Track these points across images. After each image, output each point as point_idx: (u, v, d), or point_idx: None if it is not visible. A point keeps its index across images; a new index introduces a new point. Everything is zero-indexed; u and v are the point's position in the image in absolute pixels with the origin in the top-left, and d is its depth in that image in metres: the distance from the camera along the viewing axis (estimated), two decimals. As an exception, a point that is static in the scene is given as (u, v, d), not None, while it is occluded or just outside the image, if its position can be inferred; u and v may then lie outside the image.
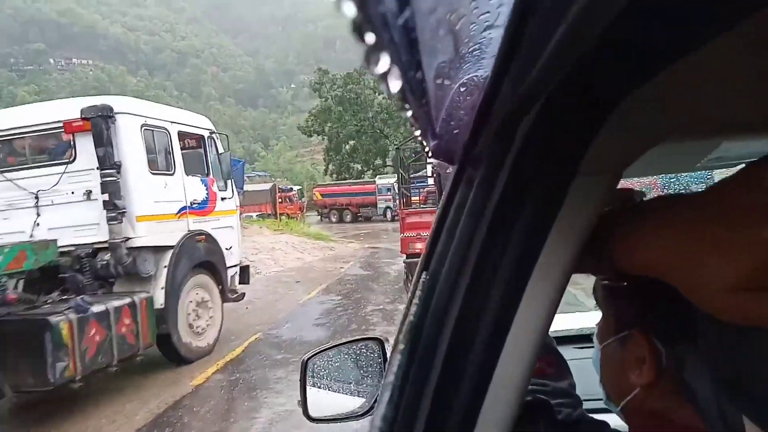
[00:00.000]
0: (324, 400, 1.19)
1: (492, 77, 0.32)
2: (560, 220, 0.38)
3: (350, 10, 0.23)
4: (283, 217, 23.30)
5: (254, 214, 26.63)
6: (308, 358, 1.15)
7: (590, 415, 0.71)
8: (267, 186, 32.95)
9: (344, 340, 1.25)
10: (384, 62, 0.28)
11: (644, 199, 0.45)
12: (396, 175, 11.14)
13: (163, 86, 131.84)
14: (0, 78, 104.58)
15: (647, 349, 0.48)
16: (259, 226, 18.45)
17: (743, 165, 0.32)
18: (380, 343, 1.19)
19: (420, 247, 7.85)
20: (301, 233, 19.93)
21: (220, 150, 6.45)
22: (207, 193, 6.09)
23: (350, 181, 33.60)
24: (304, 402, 1.12)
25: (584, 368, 0.80)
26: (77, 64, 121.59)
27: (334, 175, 37.04)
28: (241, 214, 7.69)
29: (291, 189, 33.06)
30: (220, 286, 6.21)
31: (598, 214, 0.39)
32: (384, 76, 0.30)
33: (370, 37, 0.25)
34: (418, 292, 0.50)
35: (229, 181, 6.54)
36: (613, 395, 0.53)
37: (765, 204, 0.29)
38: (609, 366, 0.54)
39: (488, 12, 0.30)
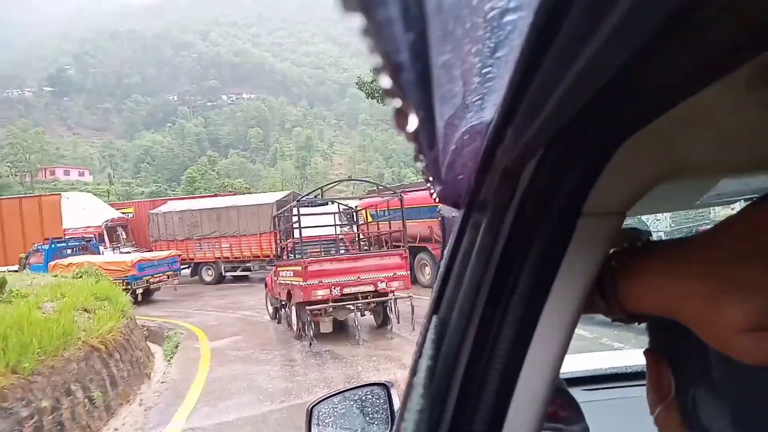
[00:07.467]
0: None
1: (495, 127, 0.34)
2: (567, 261, 0.38)
3: (385, 83, 0.24)
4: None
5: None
6: (313, 406, 1.15)
7: None
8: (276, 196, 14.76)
9: (349, 387, 1.26)
10: (412, 121, 0.29)
11: (650, 239, 0.44)
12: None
13: (323, 116, 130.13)
14: (177, 113, 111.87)
15: (654, 371, 0.45)
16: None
17: (744, 202, 0.32)
18: (386, 388, 1.19)
19: (321, 294, 7.58)
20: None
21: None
22: None
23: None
24: None
25: (595, 412, 0.79)
26: (245, 98, 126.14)
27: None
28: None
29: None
30: None
31: (604, 255, 0.39)
32: (411, 132, 0.31)
33: (396, 102, 0.26)
34: (430, 336, 0.50)
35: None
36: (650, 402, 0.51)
37: None
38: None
39: (491, 66, 0.30)
